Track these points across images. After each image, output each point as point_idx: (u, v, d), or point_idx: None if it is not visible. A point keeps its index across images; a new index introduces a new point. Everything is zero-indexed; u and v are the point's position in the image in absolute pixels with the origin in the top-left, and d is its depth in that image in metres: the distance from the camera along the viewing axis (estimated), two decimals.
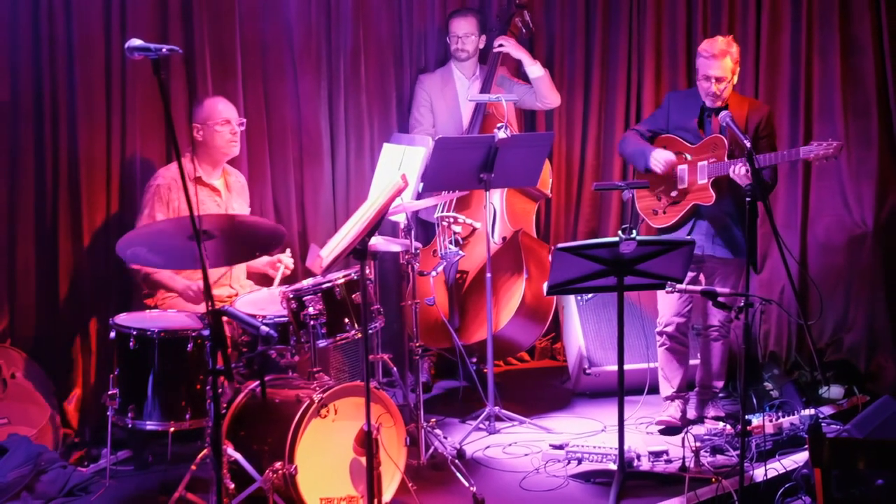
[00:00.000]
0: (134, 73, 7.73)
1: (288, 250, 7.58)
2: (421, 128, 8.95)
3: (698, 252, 7.63)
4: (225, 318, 5.06)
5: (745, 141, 6.89)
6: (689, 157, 7.68)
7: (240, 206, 7.68)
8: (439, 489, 6.95)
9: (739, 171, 7.34)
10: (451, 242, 7.98)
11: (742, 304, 6.43)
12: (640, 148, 7.94)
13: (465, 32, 8.94)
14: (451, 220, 8.05)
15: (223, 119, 7.47)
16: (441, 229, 8.19)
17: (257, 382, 6.51)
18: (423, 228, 8.74)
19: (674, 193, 7.82)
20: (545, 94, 8.96)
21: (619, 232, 6.59)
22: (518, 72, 9.15)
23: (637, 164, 8.02)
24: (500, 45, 8.92)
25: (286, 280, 7.45)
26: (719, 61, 7.59)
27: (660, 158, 7.77)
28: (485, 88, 8.84)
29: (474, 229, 8.17)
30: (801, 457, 7.17)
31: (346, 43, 8.85)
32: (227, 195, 7.61)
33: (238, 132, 7.56)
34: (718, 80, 7.61)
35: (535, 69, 8.92)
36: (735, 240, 7.73)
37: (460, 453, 7.41)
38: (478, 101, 8.65)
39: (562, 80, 9.60)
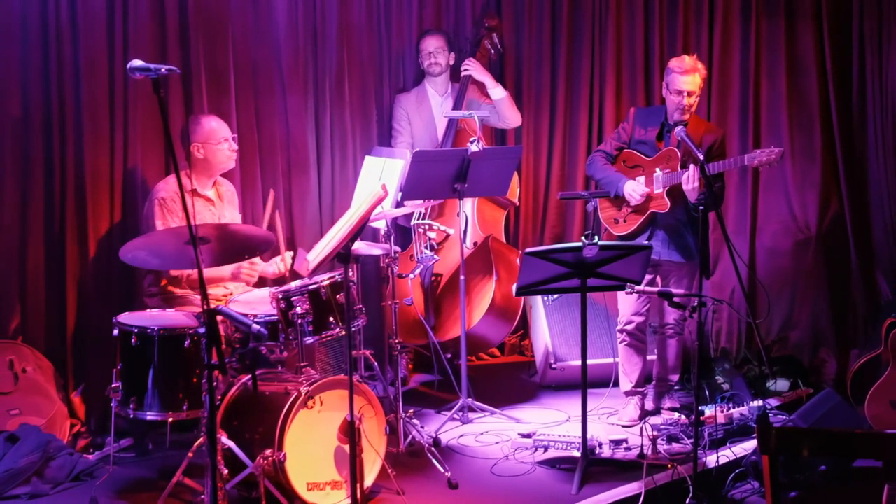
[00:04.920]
0: (135, 91, 7.72)
1: (290, 253, 7.57)
2: (402, 137, 8.98)
3: (655, 257, 7.65)
4: (219, 317, 5.07)
5: (699, 154, 6.92)
6: (659, 170, 7.69)
7: (231, 213, 7.68)
8: (417, 474, 6.97)
9: (691, 185, 7.34)
10: (426, 247, 7.99)
11: (696, 303, 6.47)
12: (610, 177, 7.87)
13: (435, 48, 8.96)
14: (427, 226, 8.07)
15: (223, 137, 7.45)
16: (417, 235, 8.20)
17: (249, 376, 6.51)
18: (401, 234, 8.73)
19: (633, 203, 7.84)
20: (506, 114, 8.99)
21: (583, 237, 6.60)
22: (484, 92, 9.16)
23: (608, 191, 8.00)
24: (466, 69, 8.95)
25: (278, 281, 7.46)
26: (691, 76, 7.59)
27: (636, 191, 7.77)
28: (457, 106, 8.83)
29: (447, 235, 8.17)
30: (750, 445, 7.22)
31: (331, 63, 8.86)
32: (220, 204, 7.61)
33: (235, 147, 7.58)
34: (690, 94, 7.62)
35: (497, 92, 8.94)
36: (688, 246, 7.75)
37: (436, 441, 7.42)
38: (451, 116, 8.67)
39: (529, 97, 9.65)
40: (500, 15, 9.40)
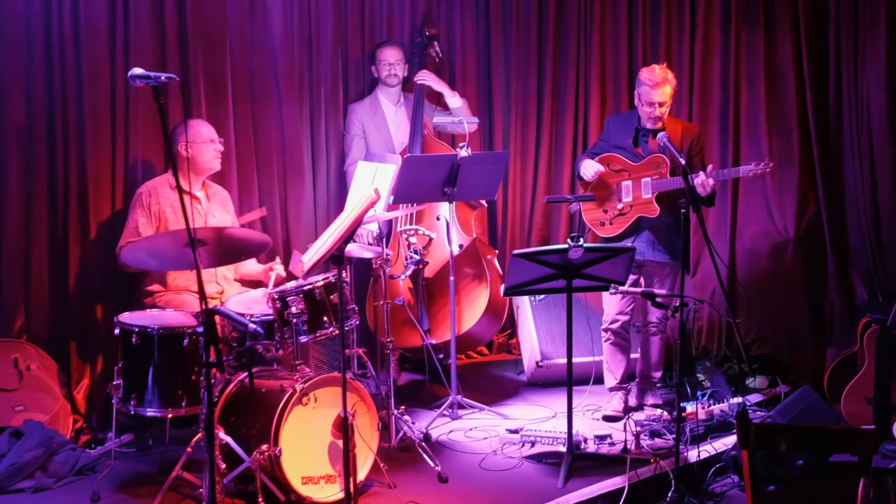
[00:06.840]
0: (136, 98, 7.73)
1: (277, 258, 7.62)
2: (354, 153, 8.92)
3: (639, 257, 7.68)
4: (217, 317, 5.09)
5: (681, 159, 6.94)
6: (648, 177, 7.71)
7: (221, 215, 7.68)
8: (408, 469, 6.98)
9: (706, 190, 7.43)
10: (413, 252, 8.00)
11: (678, 303, 6.49)
12: (581, 161, 8.02)
13: (396, 59, 8.93)
14: (412, 231, 8.08)
15: (208, 138, 7.55)
16: (402, 241, 8.20)
17: (246, 374, 6.51)
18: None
19: (619, 206, 7.85)
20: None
21: (569, 240, 6.61)
22: (438, 100, 9.14)
23: (577, 173, 8.10)
24: (423, 79, 8.95)
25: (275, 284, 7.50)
26: (662, 88, 7.63)
27: (589, 169, 7.86)
28: (415, 114, 8.87)
29: (431, 239, 8.18)
30: (730, 440, 7.25)
31: (326, 71, 8.89)
32: (207, 204, 7.62)
33: (221, 148, 7.61)
34: (661, 104, 7.66)
35: (454, 100, 8.93)
36: (674, 246, 7.77)
37: (426, 437, 7.42)
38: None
39: (517, 103, 9.69)
40: (437, 26, 9.37)
